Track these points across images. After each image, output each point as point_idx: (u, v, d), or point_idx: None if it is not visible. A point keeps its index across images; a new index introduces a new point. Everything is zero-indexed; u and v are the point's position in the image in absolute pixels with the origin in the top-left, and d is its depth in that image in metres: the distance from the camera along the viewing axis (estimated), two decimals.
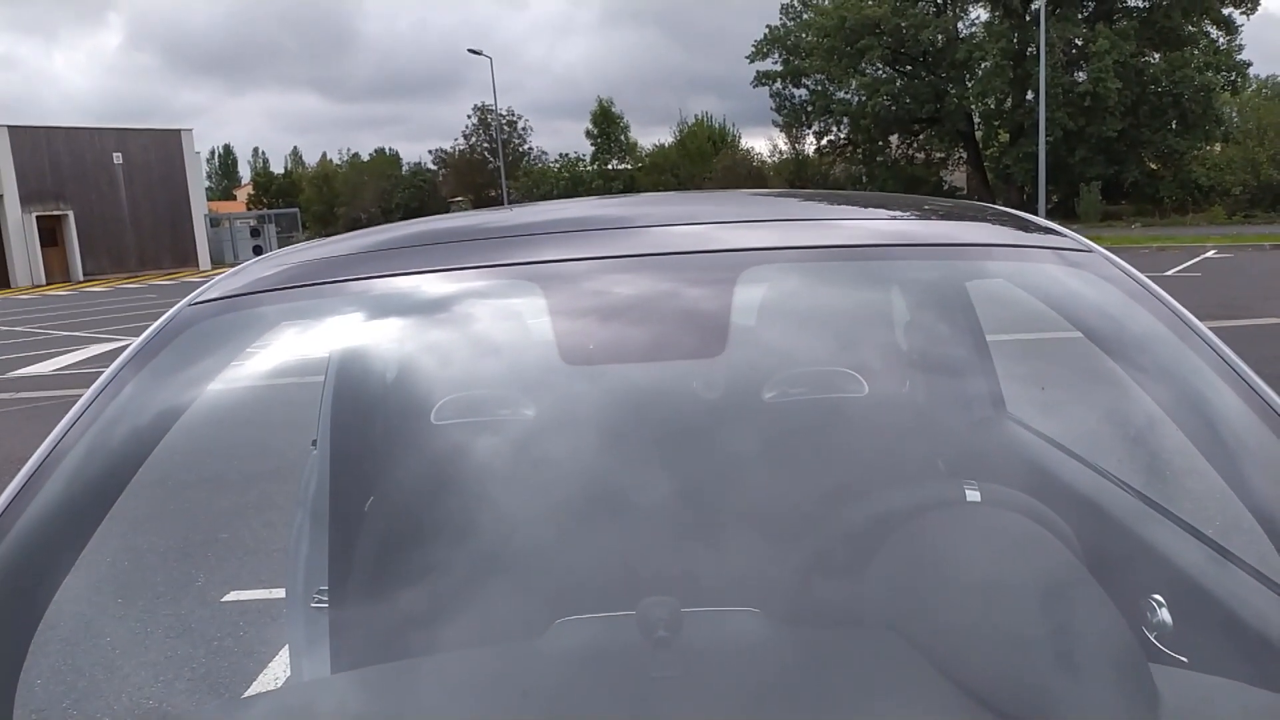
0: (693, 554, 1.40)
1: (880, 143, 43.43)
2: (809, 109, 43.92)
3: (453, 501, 1.57)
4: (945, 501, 1.43)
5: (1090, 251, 1.48)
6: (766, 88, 44.01)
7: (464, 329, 1.49)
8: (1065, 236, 1.53)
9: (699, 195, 2.04)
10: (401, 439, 1.93)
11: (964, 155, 43.39)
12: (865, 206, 1.80)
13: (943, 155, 44.23)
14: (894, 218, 1.63)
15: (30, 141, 38.83)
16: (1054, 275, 1.44)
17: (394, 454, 1.94)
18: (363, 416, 2.06)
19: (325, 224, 56.81)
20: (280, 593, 3.12)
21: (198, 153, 45.73)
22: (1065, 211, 36.41)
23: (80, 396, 1.35)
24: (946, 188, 43.80)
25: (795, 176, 44.93)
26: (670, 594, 1.24)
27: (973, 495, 1.42)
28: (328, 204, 59.47)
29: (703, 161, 49.24)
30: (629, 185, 49.59)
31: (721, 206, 1.78)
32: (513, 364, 1.72)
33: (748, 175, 45.78)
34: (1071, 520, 1.40)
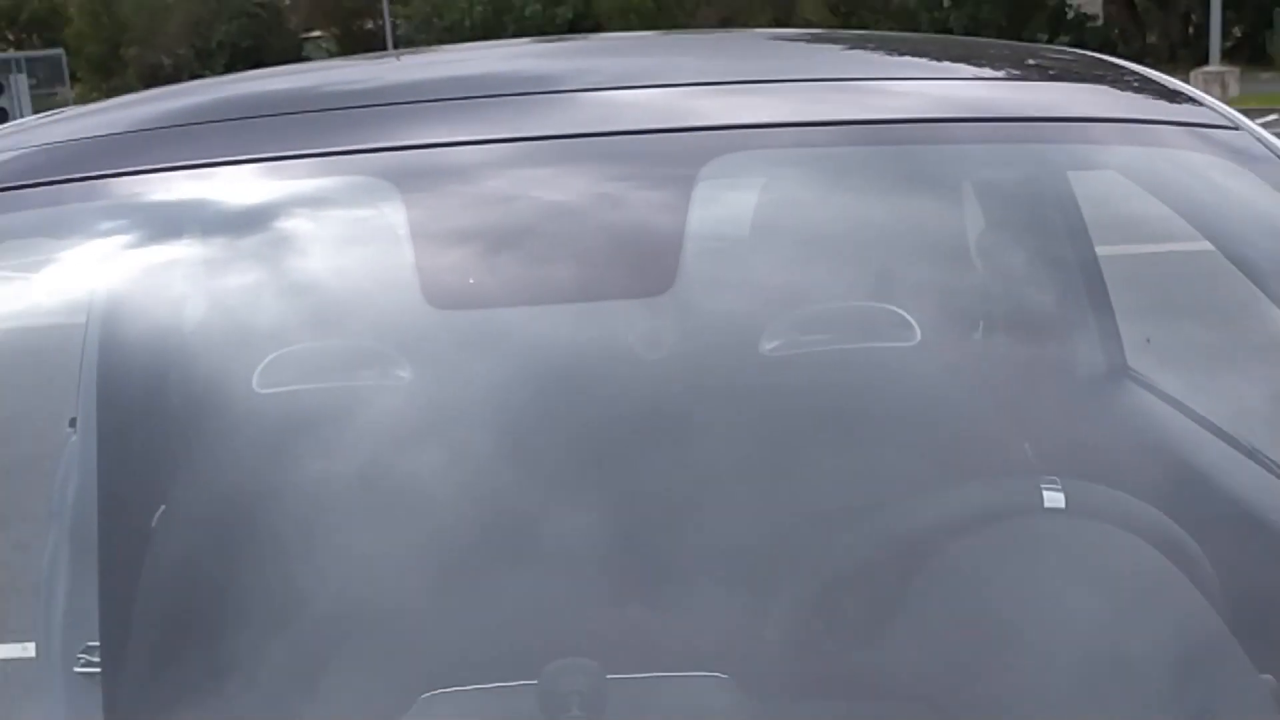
0: (628, 597, 1.09)
1: None
2: None
3: (283, 512, 1.22)
4: (1023, 509, 1.12)
5: (1237, 129, 1.20)
6: None
7: (295, 251, 1.22)
8: (1204, 107, 1.25)
9: (664, 39, 1.76)
10: (208, 417, 1.37)
11: None
12: (922, 57, 1.50)
13: None
14: (962, 77, 1.35)
15: None
16: (1187, 164, 1.20)
17: (197, 440, 1.40)
18: (146, 385, 1.46)
19: (107, 74, 33.93)
20: (30, 649, 2.02)
21: None
22: (1252, 51, 26.00)
23: None
24: (1072, 15, 26.43)
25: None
26: (591, 656, 1.01)
27: (1054, 499, 1.07)
28: (109, 42, 34.79)
29: None
30: (582, 11, 29.65)
31: (699, 58, 1.47)
32: (358, 308, 1.33)
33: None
34: (1212, 545, 1.07)
